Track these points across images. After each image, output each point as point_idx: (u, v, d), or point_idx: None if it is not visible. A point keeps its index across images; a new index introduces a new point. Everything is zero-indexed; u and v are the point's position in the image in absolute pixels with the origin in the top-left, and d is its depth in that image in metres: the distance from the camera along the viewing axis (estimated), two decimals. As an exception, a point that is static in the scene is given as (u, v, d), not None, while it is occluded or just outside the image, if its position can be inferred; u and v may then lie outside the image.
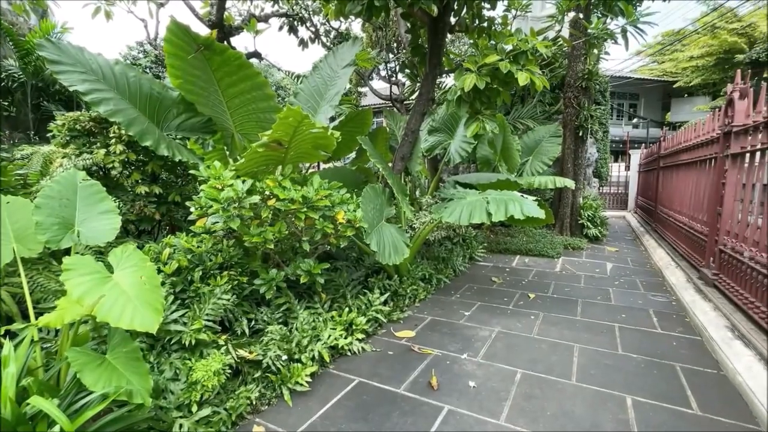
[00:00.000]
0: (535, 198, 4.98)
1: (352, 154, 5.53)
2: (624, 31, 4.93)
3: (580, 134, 6.92)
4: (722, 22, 15.61)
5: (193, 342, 2.18)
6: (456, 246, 5.89)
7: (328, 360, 2.62)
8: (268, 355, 2.40)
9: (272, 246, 2.56)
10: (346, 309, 2.99)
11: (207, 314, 2.38)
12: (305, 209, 2.55)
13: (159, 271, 2.56)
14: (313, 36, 8.95)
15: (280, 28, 9.04)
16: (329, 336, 2.70)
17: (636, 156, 12.75)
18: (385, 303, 3.66)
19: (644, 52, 21.85)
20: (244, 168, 2.70)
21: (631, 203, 13.06)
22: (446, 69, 4.03)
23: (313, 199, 2.63)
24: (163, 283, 2.47)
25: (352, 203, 2.87)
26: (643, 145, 14.09)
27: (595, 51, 5.63)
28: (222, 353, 2.21)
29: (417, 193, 6.25)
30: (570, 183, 5.86)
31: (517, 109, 8.27)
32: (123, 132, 3.02)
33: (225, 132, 3.53)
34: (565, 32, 6.88)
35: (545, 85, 3.43)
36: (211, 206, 2.50)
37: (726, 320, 3.25)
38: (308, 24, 8.96)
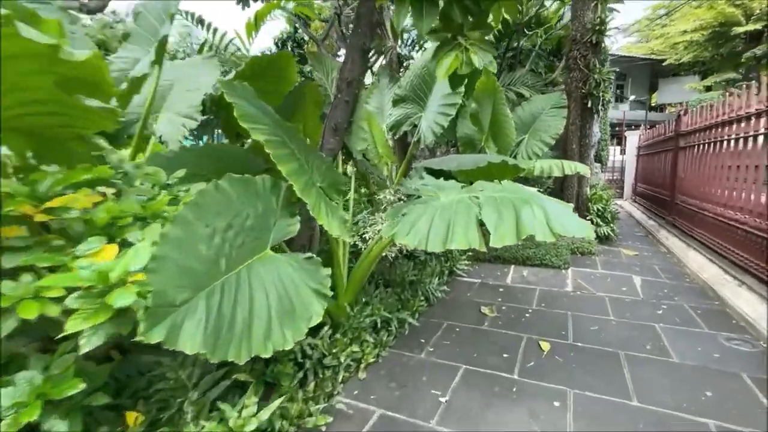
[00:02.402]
0: (538, 189, 3.40)
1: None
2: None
3: (589, 105, 5.35)
4: (719, -9, 14.38)
5: None
6: (431, 258, 4.26)
7: None
8: None
9: None
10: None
11: None
12: None
13: None
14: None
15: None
16: None
17: (633, 138, 11.42)
18: (301, 384, 2.00)
19: (630, 28, 20.64)
20: None
21: (628, 190, 11.78)
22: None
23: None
24: None
25: (147, 234, 1.16)
26: (642, 126, 12.80)
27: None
28: None
29: (388, 185, 4.56)
30: (584, 168, 4.29)
31: (505, 76, 6.63)
32: None
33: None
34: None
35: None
36: None
37: None
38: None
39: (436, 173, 3.27)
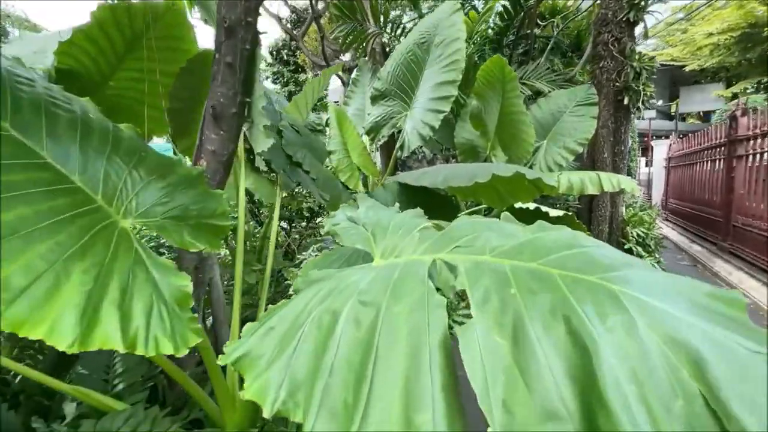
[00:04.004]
0: (563, 212, 2.28)
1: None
2: None
3: (625, 102, 4.16)
4: (748, -11, 13.18)
5: None
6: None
7: None
8: None
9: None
10: None
11: None
12: None
13: None
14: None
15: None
16: None
17: (661, 148, 10.16)
18: None
19: (645, 33, 19.46)
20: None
21: (657, 206, 10.45)
22: None
23: None
24: None
25: None
26: (672, 135, 11.56)
27: None
28: None
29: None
30: (629, 184, 3.08)
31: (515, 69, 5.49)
32: None
33: None
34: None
35: None
36: None
37: None
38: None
39: (411, 191, 2.10)
